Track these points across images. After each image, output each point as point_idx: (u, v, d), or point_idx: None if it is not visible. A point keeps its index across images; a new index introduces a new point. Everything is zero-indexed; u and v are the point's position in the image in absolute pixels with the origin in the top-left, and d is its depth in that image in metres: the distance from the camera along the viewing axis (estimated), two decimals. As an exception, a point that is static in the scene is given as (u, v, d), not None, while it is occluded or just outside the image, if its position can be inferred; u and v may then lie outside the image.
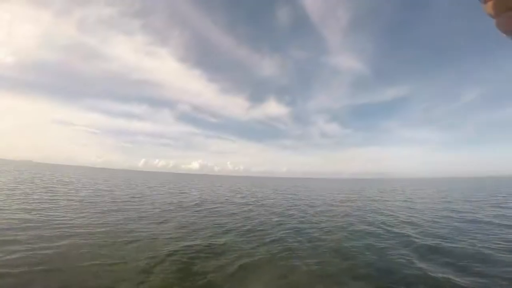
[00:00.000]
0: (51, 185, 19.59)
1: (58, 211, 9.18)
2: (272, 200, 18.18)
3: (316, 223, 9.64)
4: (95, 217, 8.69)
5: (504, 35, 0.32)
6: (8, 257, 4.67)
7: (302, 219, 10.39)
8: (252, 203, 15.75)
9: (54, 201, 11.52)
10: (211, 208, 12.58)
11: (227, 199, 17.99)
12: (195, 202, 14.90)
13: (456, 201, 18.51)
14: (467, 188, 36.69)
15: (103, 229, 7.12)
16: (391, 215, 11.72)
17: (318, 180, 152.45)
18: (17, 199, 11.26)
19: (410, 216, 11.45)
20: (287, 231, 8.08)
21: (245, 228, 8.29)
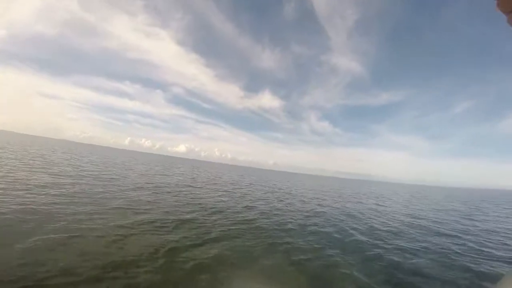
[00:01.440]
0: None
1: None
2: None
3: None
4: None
5: None
6: None
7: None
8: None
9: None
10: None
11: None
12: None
13: (418, 205, 20.05)
14: (439, 196, 39.03)
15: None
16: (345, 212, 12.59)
17: (303, 175, 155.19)
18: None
19: (359, 212, 12.45)
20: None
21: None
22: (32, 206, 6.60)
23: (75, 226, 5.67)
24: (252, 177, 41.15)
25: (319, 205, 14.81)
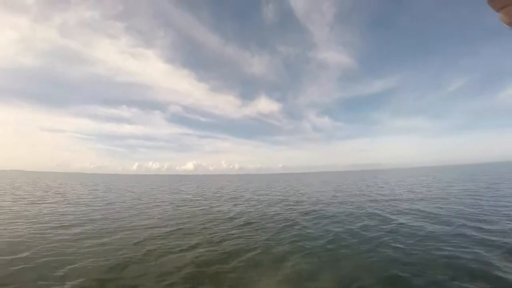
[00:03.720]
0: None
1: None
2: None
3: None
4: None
5: (507, 26, 0.36)
6: None
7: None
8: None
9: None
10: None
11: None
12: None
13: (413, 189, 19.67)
14: (445, 176, 38.09)
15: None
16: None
17: (312, 174, 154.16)
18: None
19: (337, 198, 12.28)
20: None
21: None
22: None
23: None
24: (251, 184, 40.95)
25: (316, 202, 14.69)
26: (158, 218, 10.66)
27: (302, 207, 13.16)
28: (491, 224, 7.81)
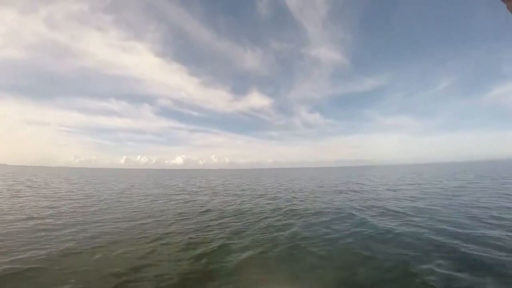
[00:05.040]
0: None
1: None
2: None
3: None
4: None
5: None
6: None
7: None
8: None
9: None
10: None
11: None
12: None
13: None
14: (426, 173, 39.10)
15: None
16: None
17: (302, 169, 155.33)
18: None
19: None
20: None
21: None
22: None
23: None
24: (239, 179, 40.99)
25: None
26: (123, 213, 10.44)
27: (276, 202, 13.29)
28: (444, 223, 8.01)
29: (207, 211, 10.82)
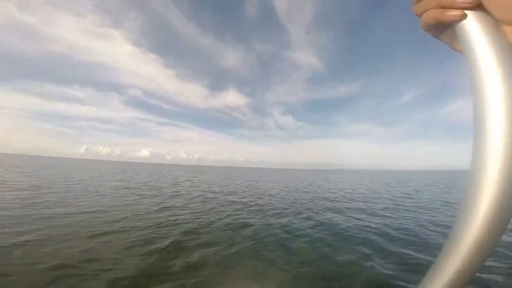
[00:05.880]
0: None
1: None
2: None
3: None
4: None
5: (426, 32, 0.37)
6: None
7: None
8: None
9: None
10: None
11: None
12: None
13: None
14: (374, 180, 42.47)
15: None
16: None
17: (272, 170, 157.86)
18: None
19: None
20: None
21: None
22: None
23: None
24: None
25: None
26: (70, 207, 9.74)
27: (241, 201, 13.39)
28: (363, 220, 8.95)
29: (164, 208, 10.52)
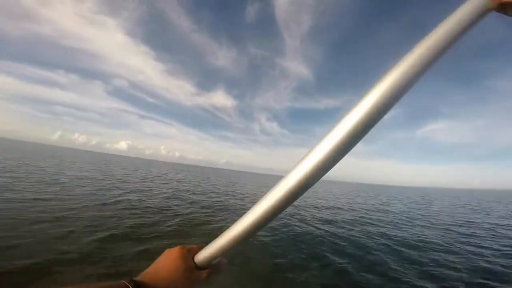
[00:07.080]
0: None
1: None
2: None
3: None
4: None
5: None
6: None
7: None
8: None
9: None
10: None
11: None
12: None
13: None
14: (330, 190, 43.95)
15: None
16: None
17: (253, 175, 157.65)
18: None
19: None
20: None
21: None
22: None
23: None
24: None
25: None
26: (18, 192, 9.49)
27: (209, 200, 13.53)
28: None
29: (116, 202, 10.29)
